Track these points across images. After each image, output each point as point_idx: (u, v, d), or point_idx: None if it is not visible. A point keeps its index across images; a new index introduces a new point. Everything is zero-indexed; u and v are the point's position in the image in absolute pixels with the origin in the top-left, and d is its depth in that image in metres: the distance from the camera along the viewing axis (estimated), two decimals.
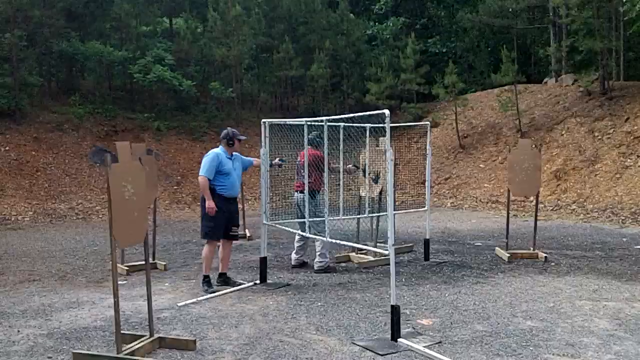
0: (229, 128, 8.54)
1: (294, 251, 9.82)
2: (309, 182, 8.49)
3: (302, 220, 8.76)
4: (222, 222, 8.18)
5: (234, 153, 8.45)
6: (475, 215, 16.78)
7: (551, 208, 16.55)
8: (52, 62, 23.74)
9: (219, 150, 8.31)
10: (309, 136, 8.68)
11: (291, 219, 9.45)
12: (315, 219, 8.77)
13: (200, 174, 8.15)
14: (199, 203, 19.15)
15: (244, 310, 7.17)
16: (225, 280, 8.49)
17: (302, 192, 8.94)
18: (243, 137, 8.61)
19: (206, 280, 8.26)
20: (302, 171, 8.81)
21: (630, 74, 24.91)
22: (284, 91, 27.99)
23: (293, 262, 9.79)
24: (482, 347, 5.78)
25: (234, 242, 8.81)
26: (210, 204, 7.98)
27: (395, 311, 5.91)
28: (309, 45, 26.57)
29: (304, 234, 8.68)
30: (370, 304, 7.39)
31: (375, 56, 28.15)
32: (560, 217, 15.60)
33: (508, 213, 11.10)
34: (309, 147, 8.67)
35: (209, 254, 8.27)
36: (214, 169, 8.11)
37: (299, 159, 9.35)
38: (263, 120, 8.83)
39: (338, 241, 7.85)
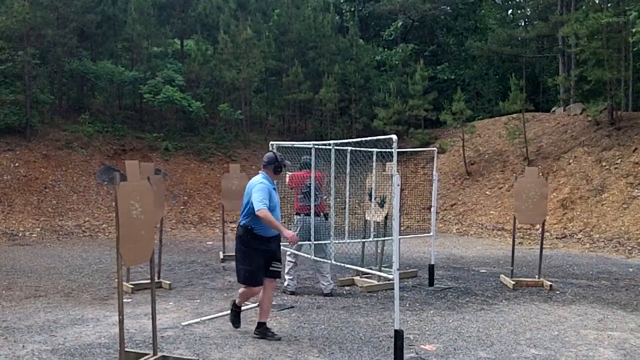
0: (275, 151, 7.53)
1: (288, 275, 9.51)
2: (302, 206, 8.57)
3: (307, 242, 8.78)
4: (262, 264, 6.91)
5: None
6: (481, 242, 16.76)
7: (557, 237, 16.51)
8: (63, 80, 23.93)
9: (262, 178, 7.04)
10: (303, 159, 8.90)
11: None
12: (321, 241, 8.79)
13: (259, 207, 6.64)
14: (204, 223, 19.38)
15: (247, 331, 7.17)
16: (264, 332, 6.99)
17: (305, 214, 8.95)
18: (288, 163, 7.71)
19: (235, 310, 7.28)
20: (298, 194, 8.96)
21: (638, 104, 24.94)
22: (292, 114, 28.10)
23: (292, 289, 9.54)
24: None
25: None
26: (287, 232, 6.86)
27: (398, 336, 5.91)
28: (318, 69, 26.74)
29: (308, 255, 8.68)
30: (373, 328, 7.39)
31: (384, 82, 28.32)
32: (566, 246, 15.56)
33: (514, 241, 11.11)
34: (304, 170, 8.87)
35: (246, 292, 7.10)
36: (269, 200, 6.85)
37: (287, 182, 9.38)
38: (271, 142, 8.91)
39: (343, 264, 7.87)
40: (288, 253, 9.30)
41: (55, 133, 20.88)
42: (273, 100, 27.76)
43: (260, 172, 7.15)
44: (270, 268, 6.99)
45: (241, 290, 7.14)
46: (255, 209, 6.64)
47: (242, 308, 7.86)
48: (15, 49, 20.21)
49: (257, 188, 6.82)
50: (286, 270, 9.43)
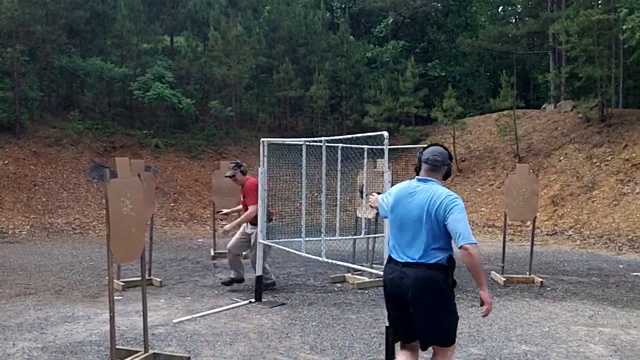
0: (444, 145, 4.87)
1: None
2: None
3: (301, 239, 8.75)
4: None
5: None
6: None
7: (548, 233, 16.56)
8: (52, 77, 23.81)
9: (446, 189, 4.63)
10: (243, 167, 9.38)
11: (288, 238, 9.45)
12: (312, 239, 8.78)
13: (473, 240, 4.39)
14: (195, 220, 19.35)
15: (238, 328, 7.16)
16: None
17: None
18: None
19: None
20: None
21: (629, 101, 25.06)
22: (283, 111, 28.07)
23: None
24: None
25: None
26: (488, 296, 4.55)
27: (390, 332, 5.89)
28: (309, 66, 26.72)
29: (300, 252, 8.62)
30: (364, 324, 7.38)
31: (375, 79, 28.35)
32: (557, 243, 15.61)
33: (504, 237, 11.12)
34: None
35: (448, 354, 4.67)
36: None
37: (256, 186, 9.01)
38: (262, 139, 8.87)
39: (334, 261, 7.85)
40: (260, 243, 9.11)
41: (44, 130, 20.78)
42: (263, 97, 27.72)
43: (427, 179, 4.66)
44: None
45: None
46: (467, 242, 4.34)
47: (234, 305, 7.83)
48: (4, 46, 20.12)
49: (459, 208, 4.49)
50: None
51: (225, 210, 10.19)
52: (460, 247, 4.36)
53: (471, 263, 4.35)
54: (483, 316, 4.53)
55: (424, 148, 4.75)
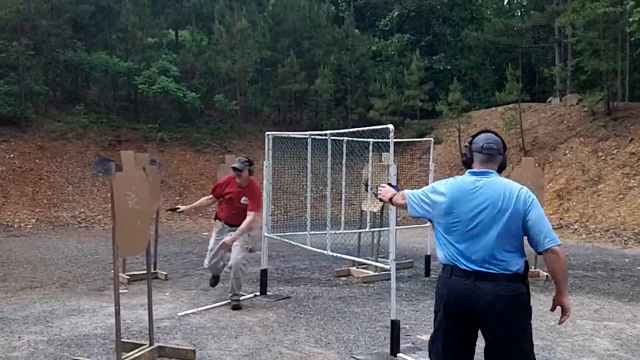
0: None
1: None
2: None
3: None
4: None
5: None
6: None
7: (553, 227, 16.43)
8: (57, 71, 23.86)
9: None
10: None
11: (292, 231, 9.44)
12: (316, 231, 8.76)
13: (558, 240, 3.71)
14: (200, 214, 19.34)
15: (243, 321, 7.16)
16: None
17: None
18: None
19: None
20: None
21: (635, 95, 24.91)
22: (288, 105, 28.06)
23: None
24: None
25: None
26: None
27: (395, 326, 5.90)
28: (314, 60, 26.70)
29: (305, 245, 8.62)
30: (370, 318, 7.37)
31: (380, 72, 28.32)
32: (563, 237, 15.55)
33: None
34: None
35: None
36: None
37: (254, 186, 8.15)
38: (267, 132, 8.85)
39: (339, 255, 7.84)
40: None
41: (50, 124, 20.81)
42: (268, 91, 27.72)
43: (486, 171, 3.98)
44: None
45: None
46: (555, 244, 3.66)
47: (241, 298, 7.84)
48: (9, 40, 20.15)
49: (537, 202, 3.85)
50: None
51: (182, 208, 8.89)
52: (546, 250, 3.66)
53: (559, 268, 3.70)
54: (559, 324, 4.02)
55: (473, 136, 4.07)
